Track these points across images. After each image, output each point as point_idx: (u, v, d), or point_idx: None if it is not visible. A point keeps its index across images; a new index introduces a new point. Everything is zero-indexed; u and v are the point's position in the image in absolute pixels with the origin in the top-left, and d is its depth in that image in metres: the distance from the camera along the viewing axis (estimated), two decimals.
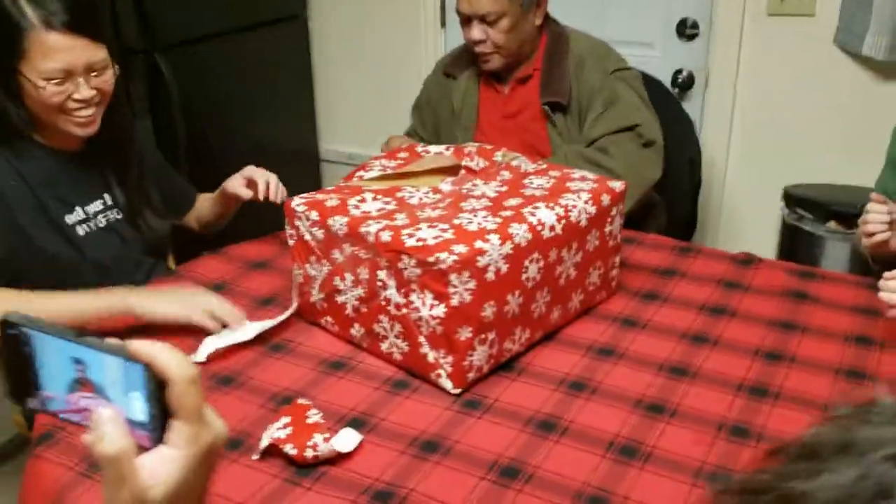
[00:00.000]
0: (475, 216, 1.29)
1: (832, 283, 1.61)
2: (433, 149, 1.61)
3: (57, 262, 1.47)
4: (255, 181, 1.63)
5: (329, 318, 1.40)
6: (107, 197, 1.56)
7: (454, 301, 1.19)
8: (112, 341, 0.55)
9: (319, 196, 1.38)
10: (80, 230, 1.51)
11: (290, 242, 1.41)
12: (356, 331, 1.36)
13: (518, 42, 1.91)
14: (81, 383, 0.56)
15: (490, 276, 1.21)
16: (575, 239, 1.36)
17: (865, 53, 2.24)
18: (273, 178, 1.63)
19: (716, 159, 2.55)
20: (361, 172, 1.50)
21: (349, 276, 1.32)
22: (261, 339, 1.40)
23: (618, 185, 1.45)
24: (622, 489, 1.07)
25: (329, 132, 3.24)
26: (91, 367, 0.56)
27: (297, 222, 1.37)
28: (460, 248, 1.19)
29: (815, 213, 2.30)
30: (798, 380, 1.29)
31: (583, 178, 1.47)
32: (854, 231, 2.18)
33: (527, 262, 1.27)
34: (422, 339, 1.25)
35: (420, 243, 1.21)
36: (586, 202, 1.37)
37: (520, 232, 1.26)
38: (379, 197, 1.38)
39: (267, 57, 2.80)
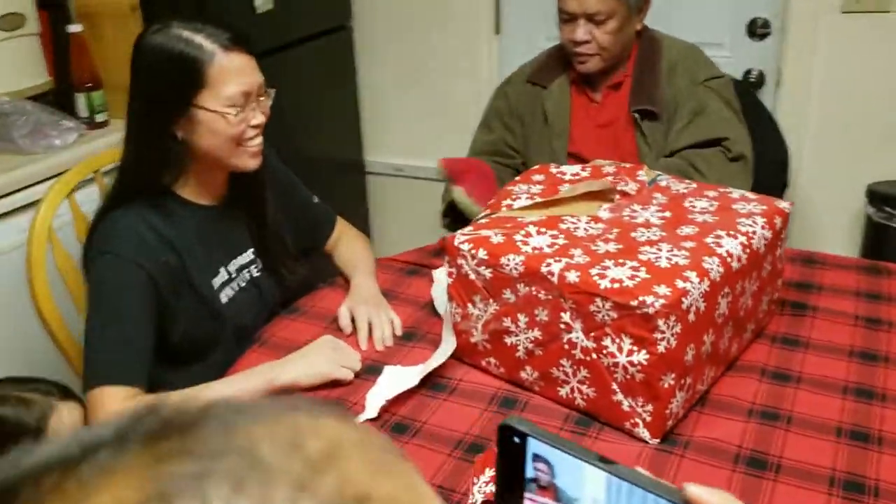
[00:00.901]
0: (659, 249, 1.22)
1: None
2: (568, 169, 1.54)
3: (197, 339, 1.39)
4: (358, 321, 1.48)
5: (493, 360, 1.33)
6: (249, 251, 1.48)
7: (660, 348, 1.12)
8: (650, 476, 0.49)
9: (482, 232, 1.30)
10: (224, 296, 1.42)
11: (449, 280, 1.33)
12: (528, 374, 1.29)
13: (621, 45, 1.86)
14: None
15: (692, 317, 1.15)
16: (755, 267, 1.30)
17: None
18: (380, 322, 1.47)
19: (791, 160, 2.51)
20: (507, 201, 1.43)
21: (523, 318, 1.25)
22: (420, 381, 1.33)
23: (786, 206, 1.39)
24: None
25: (375, 144, 3.14)
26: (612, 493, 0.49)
27: (461, 261, 1.30)
28: (663, 290, 1.12)
29: None
30: None
31: (744, 199, 1.41)
32: None
33: (719, 298, 1.21)
34: (615, 385, 1.18)
35: (615, 285, 1.14)
36: (762, 227, 1.32)
37: (713, 266, 1.19)
38: (543, 230, 1.31)
39: (314, 69, 2.71)
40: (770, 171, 2.18)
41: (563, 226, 1.32)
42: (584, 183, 1.44)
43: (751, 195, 1.44)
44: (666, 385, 1.15)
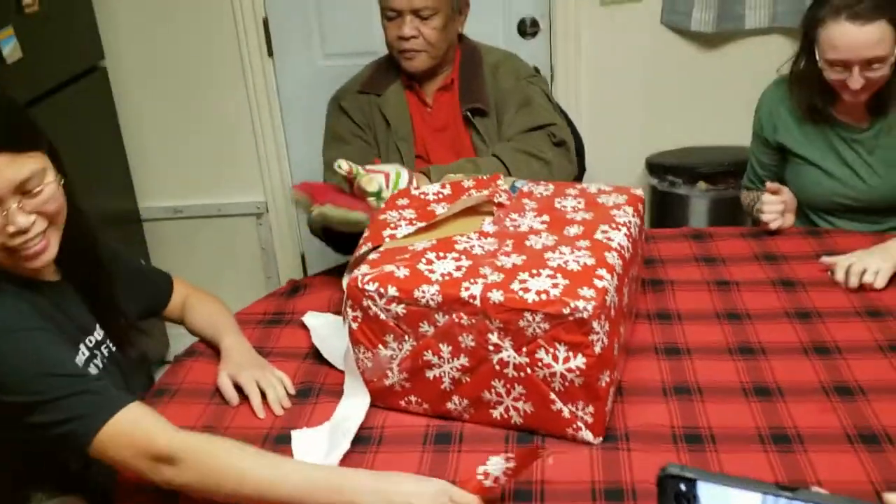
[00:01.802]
0: (562, 254, 1.24)
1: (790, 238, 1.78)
2: (429, 188, 1.51)
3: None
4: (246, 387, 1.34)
5: (415, 397, 1.27)
6: (98, 328, 1.28)
7: (597, 349, 1.14)
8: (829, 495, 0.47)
9: (385, 268, 1.23)
10: (92, 369, 1.22)
11: (353, 326, 1.25)
12: (455, 403, 1.25)
13: (446, 43, 1.93)
14: None
15: (612, 312, 1.18)
16: (635, 254, 1.37)
17: (695, 29, 2.48)
18: (270, 383, 1.35)
19: None
20: (387, 231, 1.36)
21: (446, 348, 1.21)
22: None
23: (639, 192, 1.48)
24: None
25: (147, 188, 2.88)
26: None
27: (368, 302, 1.22)
28: (587, 293, 1.14)
29: (683, 177, 2.51)
30: None
31: (603, 192, 1.47)
32: (718, 188, 2.43)
33: (624, 289, 1.26)
34: (553, 395, 1.18)
35: (542, 296, 1.14)
36: (633, 215, 1.39)
37: (615, 260, 1.23)
38: (442, 254, 1.27)
39: (72, 117, 2.41)
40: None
41: (458, 246, 1.29)
42: (462, 199, 1.42)
43: (605, 187, 1.50)
44: (603, 384, 1.17)
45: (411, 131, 1.96)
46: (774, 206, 1.79)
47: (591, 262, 1.22)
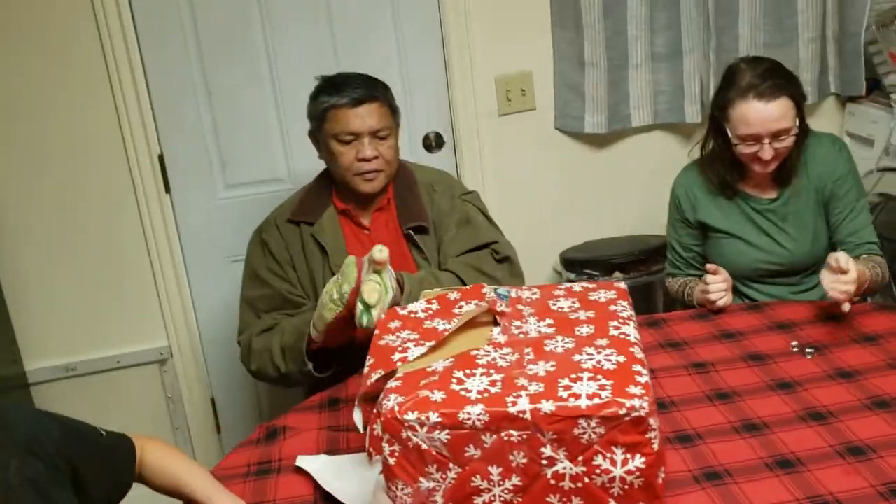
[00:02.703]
0: (590, 355, 1.23)
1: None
2: (416, 306, 1.47)
3: None
4: None
5: None
6: None
7: (655, 446, 1.12)
8: None
9: (420, 394, 1.17)
10: None
11: (391, 462, 1.16)
12: None
13: (398, 162, 1.95)
14: None
15: (655, 405, 1.18)
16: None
17: (588, 131, 2.63)
18: None
19: None
20: (396, 356, 1.30)
21: (495, 469, 1.15)
22: None
23: (623, 285, 1.51)
24: None
25: (33, 348, 2.60)
26: None
27: (408, 433, 1.14)
28: (636, 390, 1.13)
29: (599, 269, 2.60)
30: None
31: (591, 290, 1.49)
32: (632, 276, 2.54)
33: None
34: (612, 501, 1.14)
35: (594, 400, 1.12)
36: (628, 307, 1.42)
37: (641, 355, 1.24)
38: (469, 371, 1.22)
39: None
40: None
41: (480, 361, 1.25)
42: (467, 311, 1.39)
43: (588, 284, 1.53)
44: (660, 481, 1.15)
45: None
46: (720, 286, 1.88)
47: (622, 359, 1.22)
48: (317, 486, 1.37)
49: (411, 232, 1.94)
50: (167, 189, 2.55)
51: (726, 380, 1.59)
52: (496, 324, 1.38)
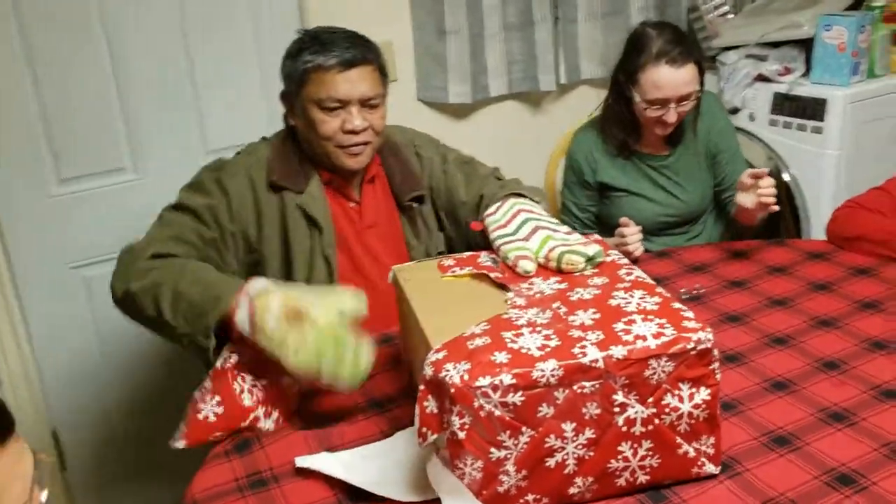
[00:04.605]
0: (625, 299, 1.21)
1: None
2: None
3: None
4: None
5: (532, 496, 1.11)
6: None
7: (718, 376, 1.13)
8: None
9: (484, 358, 1.07)
10: None
11: (461, 435, 1.06)
12: (578, 486, 1.13)
13: (384, 133, 1.71)
14: None
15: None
16: None
17: (453, 101, 2.61)
18: None
19: None
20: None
21: (569, 426, 1.09)
22: None
23: (596, 236, 1.50)
24: None
25: None
26: None
27: (480, 401, 1.05)
28: (692, 324, 1.13)
29: None
30: None
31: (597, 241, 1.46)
32: None
33: None
34: (679, 440, 1.13)
35: (660, 339, 1.10)
36: (618, 253, 1.42)
37: (666, 293, 1.24)
38: (523, 331, 1.14)
39: None
40: None
41: (519, 321, 1.18)
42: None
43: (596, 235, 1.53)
44: (719, 411, 1.16)
45: (334, 235, 1.69)
46: (638, 236, 1.94)
47: (657, 299, 1.21)
48: (333, 486, 1.22)
49: (413, 203, 1.75)
50: None
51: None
52: (503, 289, 1.31)
